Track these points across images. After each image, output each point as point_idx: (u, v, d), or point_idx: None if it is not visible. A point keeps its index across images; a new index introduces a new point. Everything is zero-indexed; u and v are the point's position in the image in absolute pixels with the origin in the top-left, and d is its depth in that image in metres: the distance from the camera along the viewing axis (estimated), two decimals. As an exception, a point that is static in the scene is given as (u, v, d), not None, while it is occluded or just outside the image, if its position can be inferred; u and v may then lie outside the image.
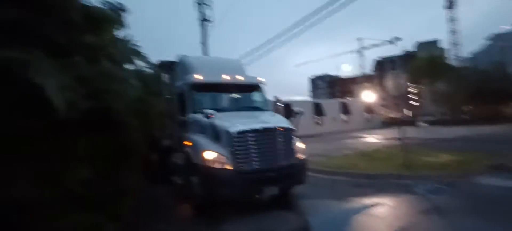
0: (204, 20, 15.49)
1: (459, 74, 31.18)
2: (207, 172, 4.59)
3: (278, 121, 5.19)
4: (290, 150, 5.02)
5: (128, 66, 5.17)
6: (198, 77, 5.72)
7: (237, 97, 6.24)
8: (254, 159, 4.65)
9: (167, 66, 7.39)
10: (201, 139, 5.12)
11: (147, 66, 6.20)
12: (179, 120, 6.19)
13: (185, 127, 5.83)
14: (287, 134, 5.01)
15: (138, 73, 6.07)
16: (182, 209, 5.37)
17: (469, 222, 4.01)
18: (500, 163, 7.04)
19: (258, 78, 6.41)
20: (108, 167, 3.08)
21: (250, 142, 4.65)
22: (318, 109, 29.19)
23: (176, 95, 6.40)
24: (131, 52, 5.47)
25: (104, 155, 3.00)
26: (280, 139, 4.87)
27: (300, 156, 5.28)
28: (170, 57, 7.32)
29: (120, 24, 4.60)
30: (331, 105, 31.23)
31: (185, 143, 5.47)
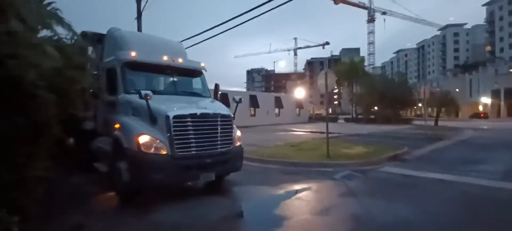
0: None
1: (370, 80, 36.56)
2: (140, 157, 4.28)
3: (217, 108, 5.17)
4: (228, 136, 5.08)
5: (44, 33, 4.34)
6: (134, 54, 5.22)
7: (176, 81, 5.91)
8: (191, 144, 4.55)
9: (92, 39, 6.46)
10: (134, 122, 4.73)
11: (69, 35, 5.31)
12: (106, 100, 5.56)
13: (113, 108, 5.27)
14: (226, 120, 5.05)
15: (57, 41, 5.15)
16: (105, 198, 4.87)
17: (375, 202, 4.86)
18: (395, 154, 8.95)
19: (201, 64, 6.22)
20: (7, 149, 2.52)
21: (188, 127, 4.53)
22: (253, 102, 30.09)
23: (104, 72, 5.70)
24: (48, 15, 4.60)
25: (3, 134, 2.44)
26: (218, 125, 4.88)
27: (237, 143, 5.40)
28: (98, 30, 6.42)
29: None
30: (265, 98, 32.57)
31: (115, 126, 4.96)
